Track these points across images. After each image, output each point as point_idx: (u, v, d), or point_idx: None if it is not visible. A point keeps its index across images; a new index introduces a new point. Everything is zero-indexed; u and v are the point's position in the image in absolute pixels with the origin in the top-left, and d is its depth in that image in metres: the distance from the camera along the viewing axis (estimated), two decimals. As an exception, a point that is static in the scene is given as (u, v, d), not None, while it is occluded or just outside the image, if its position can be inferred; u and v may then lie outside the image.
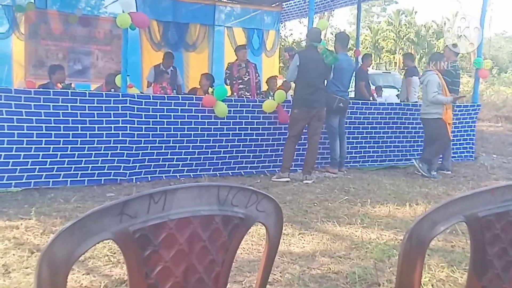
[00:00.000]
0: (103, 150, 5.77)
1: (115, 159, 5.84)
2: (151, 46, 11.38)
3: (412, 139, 8.18)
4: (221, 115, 6.39)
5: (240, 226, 1.13)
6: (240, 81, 8.20)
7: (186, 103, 6.24)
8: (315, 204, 5.23)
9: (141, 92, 7.90)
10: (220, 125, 6.48)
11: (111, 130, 5.78)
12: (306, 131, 6.50)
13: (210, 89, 8.26)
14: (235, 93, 8.27)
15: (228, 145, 6.57)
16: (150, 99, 6.02)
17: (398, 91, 16.43)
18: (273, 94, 8.85)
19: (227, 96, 6.56)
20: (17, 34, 10.00)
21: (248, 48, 12.36)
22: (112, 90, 7.06)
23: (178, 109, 6.18)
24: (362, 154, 7.76)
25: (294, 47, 8.50)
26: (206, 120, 6.37)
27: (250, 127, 6.70)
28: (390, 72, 18.47)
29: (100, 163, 5.77)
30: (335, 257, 3.64)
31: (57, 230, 3.16)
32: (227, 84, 8.64)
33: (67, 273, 0.97)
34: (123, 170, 5.90)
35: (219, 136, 6.49)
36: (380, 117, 7.81)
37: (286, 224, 4.41)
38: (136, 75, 9.85)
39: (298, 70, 6.23)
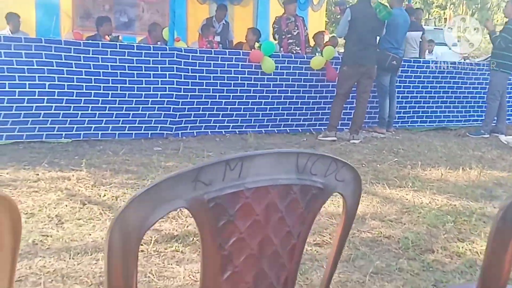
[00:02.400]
0: (150, 104, 5.76)
1: (161, 113, 5.84)
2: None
3: (465, 100, 7.86)
4: (268, 71, 6.26)
5: (319, 197, 1.05)
6: (290, 35, 7.96)
7: (233, 57, 6.12)
8: (363, 165, 5.11)
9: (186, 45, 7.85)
10: (267, 81, 6.36)
11: (158, 84, 5.75)
12: (355, 89, 6.30)
13: (257, 44, 8.11)
14: (282, 48, 8.09)
15: (274, 101, 6.46)
16: (197, 53, 5.94)
17: (449, 49, 15.83)
18: (321, 50, 8.64)
19: (274, 52, 6.39)
20: (63, -14, 10.00)
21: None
22: (158, 43, 7.01)
23: (224, 64, 6.08)
24: (411, 114, 7.52)
25: (346, 0, 8.15)
26: (252, 76, 6.26)
27: (297, 84, 6.55)
28: (441, 29, 17.66)
29: (147, 117, 5.78)
30: (385, 220, 3.54)
31: (107, 182, 3.17)
32: (275, 39, 8.44)
33: (140, 240, 0.92)
34: (169, 124, 5.90)
35: (265, 93, 6.38)
36: (432, 76, 7.50)
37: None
38: (181, 28, 9.72)
39: (349, 25, 5.99)
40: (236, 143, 5.86)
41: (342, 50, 8.78)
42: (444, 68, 7.56)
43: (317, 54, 8.39)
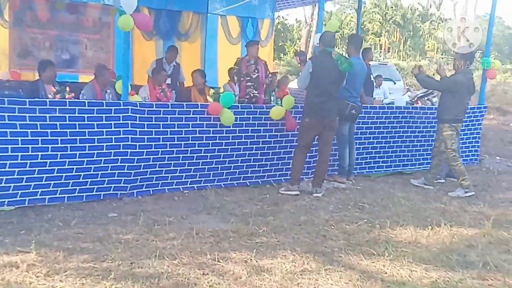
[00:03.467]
0: (103, 163, 5.36)
1: (115, 173, 5.44)
2: (142, 36, 10.82)
3: (418, 143, 7.91)
4: (227, 123, 6.01)
5: None
6: (248, 78, 7.79)
7: (191, 111, 5.83)
8: (332, 227, 4.93)
9: (130, 85, 7.35)
10: (226, 133, 6.10)
11: (112, 142, 5.37)
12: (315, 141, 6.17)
13: (209, 90, 7.86)
14: (240, 91, 7.89)
15: (233, 154, 6.21)
16: (153, 107, 5.60)
17: (394, 83, 16.17)
18: (274, 92, 8.50)
19: (234, 103, 6.15)
20: (0, 22, 9.40)
21: (242, 38, 12.01)
22: (108, 90, 6.61)
23: (182, 117, 5.78)
24: (368, 160, 7.47)
25: (304, 52, 8.09)
26: (211, 129, 5.99)
27: (257, 135, 6.33)
28: (386, 64, 18.12)
29: (100, 177, 5.37)
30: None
31: (62, 268, 2.77)
32: (234, 81, 8.24)
33: None
34: (123, 183, 5.51)
35: (224, 145, 6.12)
36: (388, 121, 7.50)
37: (308, 256, 4.12)
38: (126, 65, 9.28)
39: (310, 77, 5.86)
40: (197, 202, 5.53)
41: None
42: (399, 113, 7.58)
43: (272, 97, 8.27)
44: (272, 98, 8.32)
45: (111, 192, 5.46)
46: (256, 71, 7.93)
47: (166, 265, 3.79)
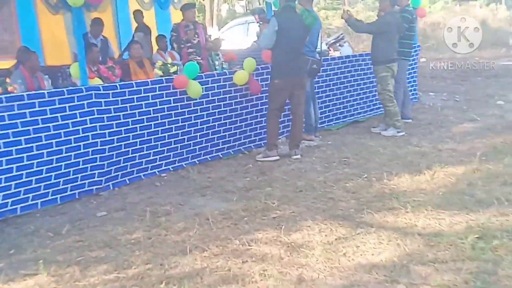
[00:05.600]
0: (74, 159, 4.78)
1: (87, 167, 4.89)
2: (48, 9, 9.76)
3: (368, 90, 7.98)
4: (195, 96, 5.61)
5: None
6: (189, 44, 7.32)
7: (156, 87, 5.35)
8: (334, 187, 4.83)
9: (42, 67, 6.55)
10: (194, 106, 5.70)
11: (79, 133, 4.79)
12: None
13: (148, 62, 7.32)
14: (182, 58, 7.41)
15: (203, 127, 5.84)
16: (117, 89, 5.05)
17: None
18: (219, 56, 8.11)
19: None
20: None
21: (154, 2, 11.29)
22: (38, 74, 5.89)
23: (148, 96, 5.29)
24: (327, 114, 7.42)
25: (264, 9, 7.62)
26: (178, 104, 5.55)
27: (223, 104, 5.99)
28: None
29: (72, 175, 4.80)
30: (428, 264, 3.27)
31: (86, 285, 2.40)
32: (173, 48, 7.71)
33: None
34: (98, 177, 4.98)
35: (194, 119, 5.73)
36: (340, 72, 7.46)
37: (332, 222, 3.99)
38: (35, 45, 8.35)
39: (277, 35, 5.58)
40: (182, 185, 5.16)
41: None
42: (346, 63, 7.56)
43: (217, 62, 7.89)
44: (217, 62, 7.92)
45: (86, 188, 4.92)
46: (196, 35, 7.48)
47: (199, 260, 3.47)
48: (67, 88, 4.81)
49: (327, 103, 7.37)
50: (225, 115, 6.02)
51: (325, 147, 6.29)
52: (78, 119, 4.76)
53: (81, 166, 4.84)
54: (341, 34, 16.56)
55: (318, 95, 7.11)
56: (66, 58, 8.75)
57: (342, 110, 7.62)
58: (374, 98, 8.07)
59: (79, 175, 4.85)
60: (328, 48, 13.82)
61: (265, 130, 6.26)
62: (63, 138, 4.68)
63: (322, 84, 7.21)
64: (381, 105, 7.95)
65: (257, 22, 8.40)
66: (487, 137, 6.38)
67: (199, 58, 7.46)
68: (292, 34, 5.58)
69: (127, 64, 7.47)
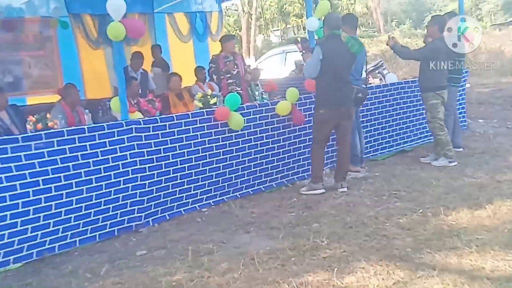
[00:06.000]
0: (113, 195, 4.63)
1: (127, 203, 4.73)
2: (88, 45, 9.90)
3: (414, 118, 7.64)
4: (237, 128, 5.42)
5: None
6: (229, 75, 7.20)
7: (197, 120, 5.19)
8: (387, 223, 4.49)
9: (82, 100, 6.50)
10: (235, 138, 5.51)
11: (119, 169, 4.64)
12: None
13: (187, 94, 7.23)
14: (222, 90, 7.29)
15: (245, 160, 5.63)
16: (157, 122, 4.91)
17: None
18: (258, 86, 7.96)
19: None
20: None
21: (192, 34, 11.33)
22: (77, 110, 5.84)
23: (189, 128, 5.12)
24: (372, 143, 7.11)
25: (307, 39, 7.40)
26: (220, 136, 5.37)
27: (265, 135, 5.78)
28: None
29: (112, 211, 4.64)
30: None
31: None
32: (213, 80, 7.62)
33: None
34: (137, 213, 4.81)
35: (235, 152, 5.52)
36: (385, 99, 7.17)
37: (388, 264, 3.65)
38: (76, 79, 8.41)
39: (321, 64, 5.36)
40: (224, 221, 4.92)
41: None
42: (392, 90, 7.26)
43: (257, 93, 7.73)
44: (257, 93, 7.76)
45: (126, 225, 4.75)
46: (235, 66, 7.36)
47: (247, 306, 3.20)
48: (107, 123, 4.68)
49: (373, 132, 7.07)
50: (267, 146, 5.80)
51: (373, 179, 5.97)
52: (118, 154, 4.63)
53: (120, 202, 4.68)
54: (380, 61, 16.26)
55: (363, 124, 6.82)
56: (107, 91, 8.80)
57: (388, 139, 7.29)
58: (421, 126, 7.73)
59: (119, 212, 4.69)
60: (367, 75, 13.56)
61: (309, 161, 6.01)
62: (102, 174, 4.54)
63: (367, 112, 6.92)
64: (428, 133, 7.61)
65: (300, 52, 8.23)
66: (548, 167, 5.93)
67: (239, 89, 7.34)
68: (337, 63, 5.37)
69: (167, 97, 7.40)
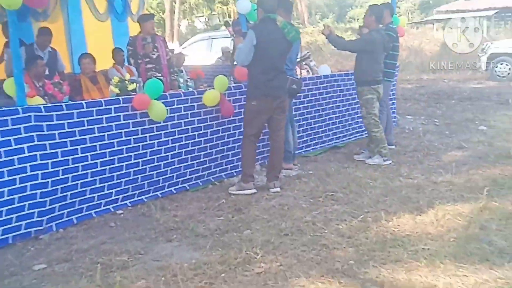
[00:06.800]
0: (6, 196, 3.85)
1: (25, 205, 3.97)
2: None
3: (347, 113, 7.33)
4: (159, 119, 4.77)
5: None
6: (148, 59, 6.47)
7: (111, 108, 4.48)
8: (325, 231, 4.06)
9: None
10: (157, 130, 4.86)
11: (15, 164, 3.87)
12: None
13: (103, 77, 6.46)
14: (140, 75, 6.55)
15: (168, 155, 5.00)
16: (63, 110, 4.15)
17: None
18: (183, 72, 7.31)
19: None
20: None
21: (110, 13, 10.40)
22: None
23: (102, 118, 4.41)
24: (305, 138, 6.69)
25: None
26: (139, 128, 4.70)
27: (191, 128, 5.17)
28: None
29: (5, 215, 3.87)
30: None
31: None
32: (130, 64, 6.86)
33: None
34: (37, 217, 4.06)
35: (157, 146, 4.88)
36: (318, 92, 6.77)
37: (331, 280, 3.23)
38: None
39: (254, 51, 4.83)
40: (142, 226, 4.28)
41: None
42: (325, 83, 6.88)
43: (180, 79, 7.08)
44: (181, 80, 7.09)
45: (23, 231, 3.98)
46: (155, 49, 6.64)
47: None
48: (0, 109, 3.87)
49: (305, 127, 6.65)
50: (193, 140, 5.20)
51: (306, 178, 5.54)
52: (13, 146, 3.85)
53: (16, 204, 3.91)
54: (307, 52, 16.02)
55: (295, 118, 6.37)
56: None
57: (320, 135, 6.91)
58: (354, 122, 7.44)
59: (14, 216, 3.92)
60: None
61: (238, 157, 5.49)
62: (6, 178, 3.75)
63: (299, 106, 6.49)
64: (361, 129, 7.35)
65: (231, 36, 7.64)
66: (482, 167, 5.78)
67: (159, 75, 6.62)
68: (272, 49, 4.85)
69: (78, 80, 6.58)
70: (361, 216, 4.30)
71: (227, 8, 39.61)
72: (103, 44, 9.29)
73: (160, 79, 6.52)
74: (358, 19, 39.26)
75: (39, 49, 7.03)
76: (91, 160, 4.36)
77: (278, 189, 5.09)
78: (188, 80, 7.26)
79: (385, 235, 3.95)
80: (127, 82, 5.29)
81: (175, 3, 28.26)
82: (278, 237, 3.95)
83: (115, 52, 7.79)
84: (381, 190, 5.01)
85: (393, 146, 6.86)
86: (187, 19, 37.37)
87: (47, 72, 6.54)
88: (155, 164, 4.88)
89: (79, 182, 4.30)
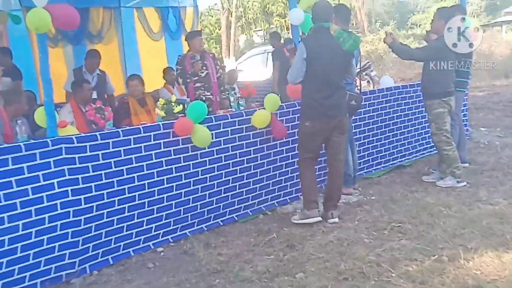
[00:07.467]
0: (35, 237, 3.52)
1: (55, 246, 3.62)
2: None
3: (413, 128, 6.64)
4: (202, 145, 4.34)
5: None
6: (196, 78, 6.11)
7: (150, 135, 4.09)
8: (392, 273, 3.46)
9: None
10: (201, 157, 4.43)
11: (43, 203, 3.54)
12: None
13: (152, 99, 6.13)
14: (189, 95, 6.21)
15: (214, 183, 4.55)
16: (97, 140, 3.80)
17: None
18: (235, 91, 6.90)
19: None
20: None
21: (164, 32, 10.23)
22: (18, 121, 4.69)
23: (140, 146, 4.03)
24: (366, 158, 6.07)
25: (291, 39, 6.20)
26: (181, 156, 4.29)
27: (239, 153, 4.71)
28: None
29: (32, 259, 3.53)
30: None
31: None
32: (178, 84, 6.56)
33: None
34: (69, 259, 3.70)
35: (201, 174, 4.44)
36: (380, 107, 6.15)
37: None
38: (31, 82, 7.25)
39: (306, 66, 4.31)
40: (183, 267, 3.83)
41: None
42: (388, 96, 6.24)
43: (232, 98, 6.66)
44: (232, 98, 6.68)
45: (53, 275, 3.63)
46: (204, 67, 6.27)
47: None
48: (27, 143, 3.55)
49: (366, 146, 6.04)
50: (241, 166, 4.73)
51: (369, 205, 4.93)
52: (42, 182, 3.53)
53: (45, 247, 3.57)
54: (368, 62, 15.26)
55: (355, 136, 5.78)
56: (63, 96, 7.62)
57: (384, 153, 6.27)
58: (421, 137, 6.75)
59: (42, 259, 3.57)
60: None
61: (292, 183, 5.02)
62: (19, 210, 3.43)
63: (359, 122, 5.89)
64: (428, 145, 6.65)
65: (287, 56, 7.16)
66: None
67: (208, 94, 6.24)
68: (327, 63, 4.31)
69: (127, 103, 6.29)
70: (435, 255, 3.66)
71: (285, 21, 39.29)
72: (157, 63, 9.11)
73: (210, 98, 6.19)
74: (420, 25, 37.89)
75: (87, 72, 6.84)
76: (129, 193, 3.98)
77: (337, 220, 4.52)
78: (240, 98, 6.83)
79: (465, 280, 3.31)
80: (173, 104, 4.93)
81: (231, 17, 28.29)
82: (337, 282, 3.39)
83: (166, 71, 7.60)
84: (457, 220, 4.32)
85: (467, 164, 6.11)
86: (245, 34, 37.41)
87: (95, 96, 6.36)
88: (199, 194, 4.44)
89: (115, 218, 3.92)
